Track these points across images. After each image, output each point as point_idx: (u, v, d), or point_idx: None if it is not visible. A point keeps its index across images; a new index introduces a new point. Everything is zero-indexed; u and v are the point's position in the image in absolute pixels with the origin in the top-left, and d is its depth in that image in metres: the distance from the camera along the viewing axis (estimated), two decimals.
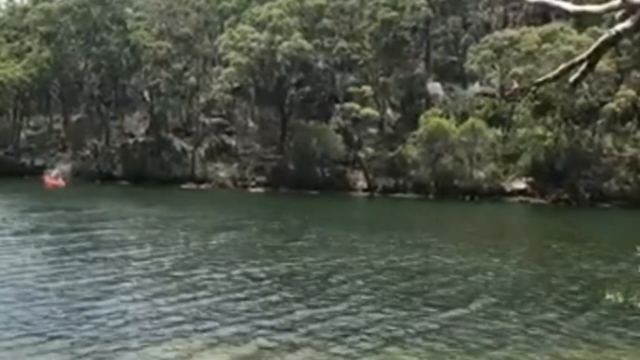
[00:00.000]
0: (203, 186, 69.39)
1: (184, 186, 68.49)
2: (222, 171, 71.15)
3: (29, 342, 15.22)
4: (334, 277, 23.80)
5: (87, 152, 75.96)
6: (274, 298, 20.05)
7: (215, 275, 23.40)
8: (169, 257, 26.80)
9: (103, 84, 78.31)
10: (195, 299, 19.74)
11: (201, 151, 73.00)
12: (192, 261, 26.15)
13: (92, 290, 20.29)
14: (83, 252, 27.09)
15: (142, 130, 77.05)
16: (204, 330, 16.49)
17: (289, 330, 16.64)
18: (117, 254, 27.08)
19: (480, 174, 64.37)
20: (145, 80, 77.60)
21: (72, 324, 16.63)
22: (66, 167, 72.81)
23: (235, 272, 24.21)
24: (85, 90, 78.75)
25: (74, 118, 79.50)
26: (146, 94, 77.62)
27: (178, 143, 74.53)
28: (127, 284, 21.45)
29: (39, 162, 75.70)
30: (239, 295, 20.45)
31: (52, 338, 15.48)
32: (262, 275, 23.72)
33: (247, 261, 26.40)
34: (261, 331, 16.48)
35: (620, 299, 4.71)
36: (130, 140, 75.89)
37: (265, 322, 17.24)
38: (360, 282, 23.03)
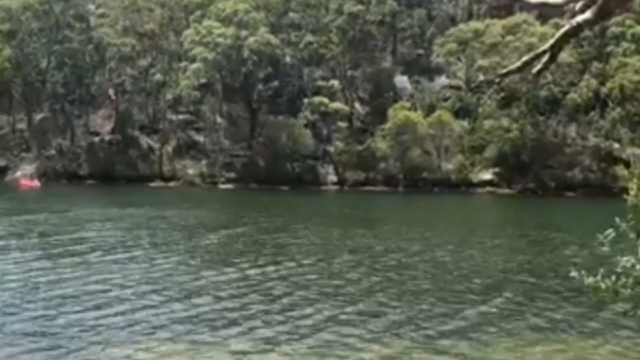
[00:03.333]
0: (171, 184, 68.77)
1: (152, 184, 67.68)
2: (191, 168, 70.66)
3: (22, 344, 15.21)
4: (331, 277, 23.97)
5: (52, 151, 74.69)
6: (274, 301, 20.14)
7: (212, 278, 23.37)
8: (163, 258, 26.71)
9: (67, 82, 76.96)
10: (190, 301, 19.76)
11: (169, 148, 72.38)
12: (184, 263, 26.11)
13: (88, 293, 20.24)
14: (78, 255, 26.81)
15: (108, 128, 76.10)
16: (202, 332, 16.54)
17: (289, 333, 16.74)
18: (111, 256, 26.94)
19: (448, 166, 65.17)
20: (110, 77, 76.69)
21: (68, 327, 16.63)
22: (31, 167, 71.58)
23: (232, 273, 24.19)
24: (48, 89, 77.40)
25: (38, 117, 78.06)
26: (111, 91, 76.67)
27: (145, 141, 73.79)
28: (123, 287, 21.39)
29: (2, 163, 74.35)
30: (239, 297, 20.49)
31: (44, 339, 15.54)
32: (258, 275, 23.78)
33: (240, 262, 26.30)
34: (267, 334, 16.66)
35: (591, 282, 5.05)
36: (96, 139, 74.90)
37: (267, 326, 17.31)
38: (355, 281, 23.24)
